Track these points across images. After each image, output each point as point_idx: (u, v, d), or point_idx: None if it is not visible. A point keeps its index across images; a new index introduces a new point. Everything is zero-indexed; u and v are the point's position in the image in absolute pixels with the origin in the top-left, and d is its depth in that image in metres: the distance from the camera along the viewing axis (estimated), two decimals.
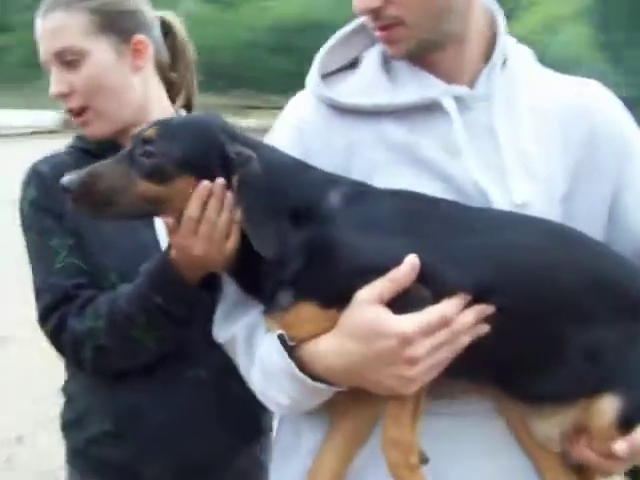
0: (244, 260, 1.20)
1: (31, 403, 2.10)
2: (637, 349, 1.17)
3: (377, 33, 1.29)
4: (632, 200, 1.33)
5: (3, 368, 4.70)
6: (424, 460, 1.14)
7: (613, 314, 1.18)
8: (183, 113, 1.72)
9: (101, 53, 1.48)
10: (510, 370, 1.17)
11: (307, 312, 1.12)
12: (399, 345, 1.08)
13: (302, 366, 1.15)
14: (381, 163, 1.28)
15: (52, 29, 1.47)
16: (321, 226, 1.15)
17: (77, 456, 1.63)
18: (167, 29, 1.69)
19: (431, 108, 1.29)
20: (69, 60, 1.48)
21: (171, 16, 1.74)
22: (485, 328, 1.11)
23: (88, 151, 1.60)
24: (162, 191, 1.18)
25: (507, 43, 1.36)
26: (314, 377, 1.14)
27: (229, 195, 1.20)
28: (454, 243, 1.15)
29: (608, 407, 1.15)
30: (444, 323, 1.09)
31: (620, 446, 1.12)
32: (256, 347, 1.24)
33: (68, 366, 1.62)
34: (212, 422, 1.55)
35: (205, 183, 1.19)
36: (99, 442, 1.56)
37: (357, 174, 1.28)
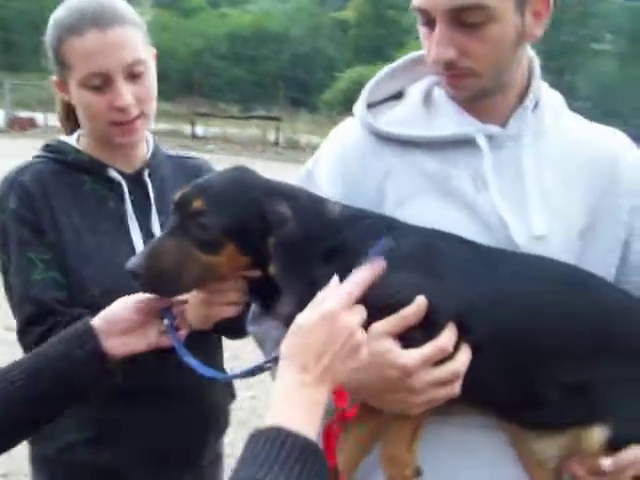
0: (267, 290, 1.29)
1: None
2: (628, 386, 1.27)
3: (442, 77, 1.37)
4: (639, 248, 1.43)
5: None
6: (418, 473, 1.25)
7: (606, 357, 1.27)
8: None
9: None
10: (502, 399, 1.27)
11: None
12: (401, 376, 1.19)
13: None
14: (413, 191, 1.38)
15: None
16: (349, 260, 1.22)
17: (48, 463, 1.72)
18: None
19: (464, 144, 1.38)
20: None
21: None
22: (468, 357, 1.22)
23: (64, 162, 1.67)
24: (218, 260, 1.24)
25: (540, 87, 1.45)
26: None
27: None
28: (455, 279, 1.25)
29: (597, 436, 1.26)
30: (441, 355, 1.20)
31: (606, 462, 1.25)
32: None
33: None
34: (180, 427, 1.74)
35: None
36: (75, 449, 1.66)
37: (390, 199, 1.38)
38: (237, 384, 2.01)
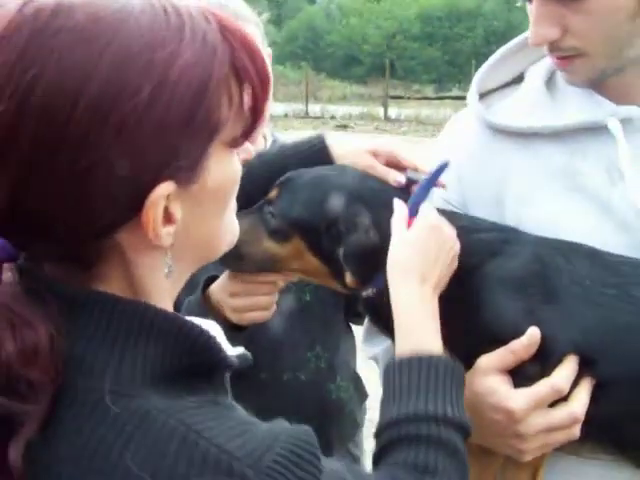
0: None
1: None
2: None
3: (553, 60, 1.20)
4: None
5: None
6: None
7: None
8: None
9: None
10: (628, 440, 1.11)
11: None
12: (508, 421, 1.05)
13: None
14: (536, 187, 1.22)
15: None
16: (462, 281, 1.12)
17: None
18: None
19: (595, 130, 1.18)
20: None
21: None
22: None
23: None
24: (281, 251, 1.21)
25: None
26: None
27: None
28: (574, 304, 1.10)
29: None
30: (556, 396, 1.05)
31: None
32: None
33: None
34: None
35: None
36: None
37: (511, 199, 1.23)
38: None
